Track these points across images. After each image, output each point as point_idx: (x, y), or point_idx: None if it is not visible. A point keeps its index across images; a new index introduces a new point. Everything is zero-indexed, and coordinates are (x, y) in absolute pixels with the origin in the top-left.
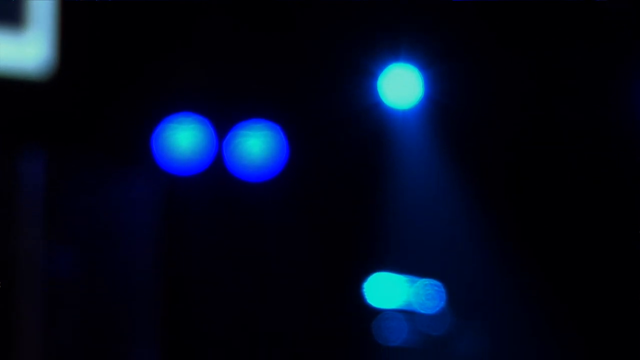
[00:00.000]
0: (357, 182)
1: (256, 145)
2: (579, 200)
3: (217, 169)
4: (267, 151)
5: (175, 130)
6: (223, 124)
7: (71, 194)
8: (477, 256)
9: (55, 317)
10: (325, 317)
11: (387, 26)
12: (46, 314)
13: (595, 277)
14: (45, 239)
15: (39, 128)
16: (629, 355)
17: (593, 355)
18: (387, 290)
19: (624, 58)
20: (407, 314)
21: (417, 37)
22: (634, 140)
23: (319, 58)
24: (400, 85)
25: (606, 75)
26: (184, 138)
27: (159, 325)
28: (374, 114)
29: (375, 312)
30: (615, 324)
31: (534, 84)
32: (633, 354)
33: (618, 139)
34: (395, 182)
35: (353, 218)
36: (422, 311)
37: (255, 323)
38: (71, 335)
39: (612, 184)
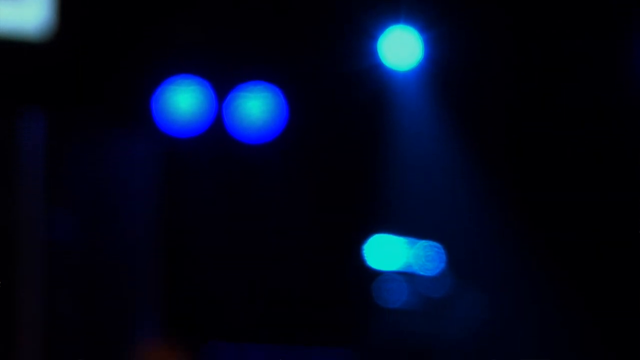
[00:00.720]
0: (357, 143)
1: (255, 106)
2: (578, 160)
3: (216, 130)
4: (267, 113)
5: (175, 92)
6: (223, 86)
7: (71, 156)
8: (476, 218)
9: (55, 280)
10: (326, 279)
11: None
12: (46, 276)
13: (595, 237)
14: (46, 201)
15: (39, 90)
16: (628, 311)
17: (592, 314)
18: (387, 252)
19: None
20: (407, 276)
21: None
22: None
23: (319, 20)
24: (400, 47)
25: (609, 35)
26: (183, 100)
27: (159, 287)
28: (374, 76)
29: (375, 274)
30: (614, 283)
31: (534, 45)
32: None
33: (620, 99)
34: (395, 143)
35: (353, 180)
36: (422, 273)
37: (255, 284)
38: (72, 297)
39: (612, 143)
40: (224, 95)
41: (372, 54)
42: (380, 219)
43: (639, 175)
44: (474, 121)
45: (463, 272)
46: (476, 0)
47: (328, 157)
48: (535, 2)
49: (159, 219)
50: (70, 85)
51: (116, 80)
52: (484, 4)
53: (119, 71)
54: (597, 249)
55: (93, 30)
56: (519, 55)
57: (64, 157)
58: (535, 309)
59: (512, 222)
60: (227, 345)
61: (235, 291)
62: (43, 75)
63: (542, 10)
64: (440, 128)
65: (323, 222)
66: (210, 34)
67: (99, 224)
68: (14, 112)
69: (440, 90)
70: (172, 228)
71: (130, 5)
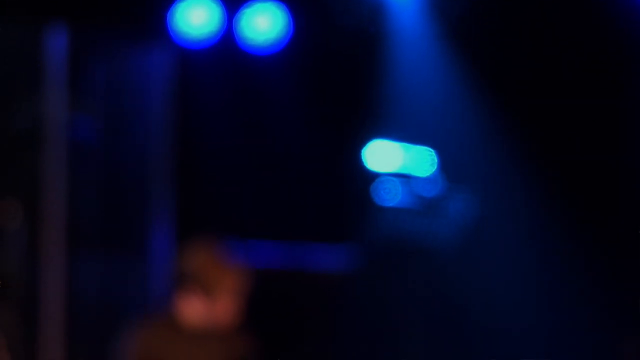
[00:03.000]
0: (359, 55)
1: (263, 21)
2: (568, 67)
3: (227, 42)
4: (273, 27)
5: (189, 8)
6: (233, 2)
7: (92, 66)
8: (468, 126)
9: (78, 178)
10: (328, 180)
11: None
12: (69, 175)
13: (584, 136)
14: (68, 108)
15: (63, 5)
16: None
17: (580, 210)
18: (384, 156)
19: None
20: (402, 177)
21: None
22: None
23: None
24: None
25: None
26: (197, 15)
27: (173, 186)
28: None
29: (373, 176)
30: (604, 184)
31: None
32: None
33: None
34: (394, 54)
35: (354, 89)
36: (416, 175)
37: (262, 185)
38: (92, 198)
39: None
40: (234, 10)
41: None
42: (379, 126)
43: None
44: (470, 35)
45: (453, 174)
46: None
47: (330, 67)
48: None
49: (173, 124)
50: (92, 1)
51: None
52: None
53: None
54: (585, 146)
55: None
56: None
57: (86, 67)
58: (523, 209)
59: (502, 131)
60: (236, 241)
61: (243, 192)
62: None
63: None
64: (438, 40)
65: (326, 128)
66: None
67: (118, 128)
68: (41, 26)
69: (439, 6)
70: (185, 132)
71: None
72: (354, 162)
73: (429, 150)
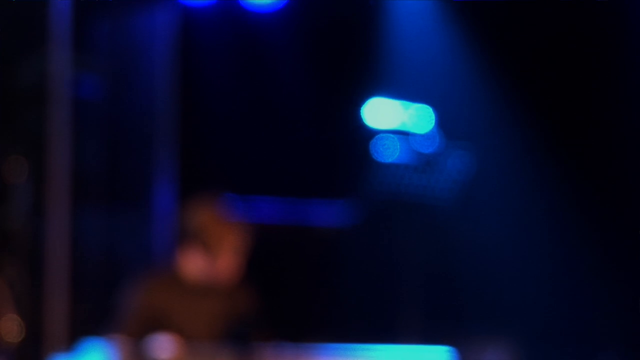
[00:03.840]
0: (359, 13)
1: None
2: (568, 41)
3: (229, 0)
4: None
5: None
6: None
7: (96, 24)
8: (466, 83)
9: (82, 132)
10: (330, 137)
11: None
12: (74, 129)
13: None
14: (73, 65)
15: None
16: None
17: (575, 174)
18: (383, 113)
19: None
20: (401, 134)
21: None
22: None
23: None
24: None
25: None
26: None
27: (176, 142)
28: None
29: (372, 133)
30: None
31: None
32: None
33: None
34: (394, 13)
35: (355, 48)
36: (415, 132)
37: (264, 141)
38: (96, 154)
39: None
40: None
41: None
42: (378, 84)
43: None
44: None
45: (451, 131)
46: None
47: (331, 26)
48: None
49: (175, 81)
50: None
51: None
52: None
53: None
54: (580, 102)
55: None
56: None
57: (90, 25)
58: (518, 164)
59: (497, 85)
60: (237, 199)
61: (245, 149)
62: None
63: None
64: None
65: (328, 85)
66: None
67: (122, 85)
68: None
69: None
70: (188, 89)
71: None
72: (354, 120)
73: (427, 108)
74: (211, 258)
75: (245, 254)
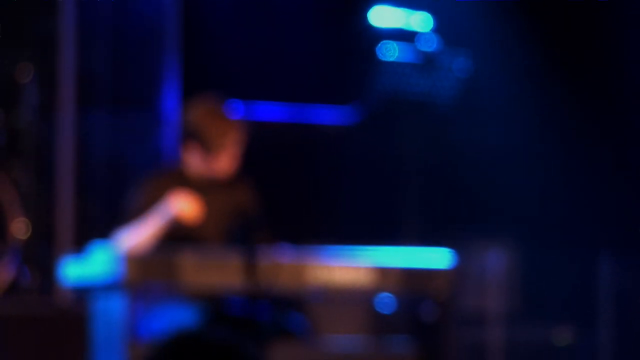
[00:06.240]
0: None
1: None
2: None
3: None
4: None
5: None
6: None
7: None
8: None
9: (89, 38)
10: (334, 40)
11: None
12: (79, 34)
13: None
14: None
15: None
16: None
17: (573, 76)
18: (387, 17)
19: None
20: (404, 34)
21: None
22: None
23: None
24: None
25: None
26: None
27: (182, 50)
28: None
29: (376, 34)
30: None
31: None
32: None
33: None
34: None
35: None
36: (417, 31)
37: (268, 48)
38: (102, 55)
39: None
40: None
41: None
42: None
43: None
44: None
45: (452, 34)
46: None
47: None
48: None
49: None
50: None
51: None
52: None
53: None
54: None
55: None
56: None
57: None
58: (519, 64)
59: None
60: (238, 101)
61: (250, 52)
62: None
63: None
64: None
65: None
66: None
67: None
68: None
69: None
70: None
71: None
72: (357, 22)
73: (429, 14)
74: (210, 157)
75: (243, 152)
